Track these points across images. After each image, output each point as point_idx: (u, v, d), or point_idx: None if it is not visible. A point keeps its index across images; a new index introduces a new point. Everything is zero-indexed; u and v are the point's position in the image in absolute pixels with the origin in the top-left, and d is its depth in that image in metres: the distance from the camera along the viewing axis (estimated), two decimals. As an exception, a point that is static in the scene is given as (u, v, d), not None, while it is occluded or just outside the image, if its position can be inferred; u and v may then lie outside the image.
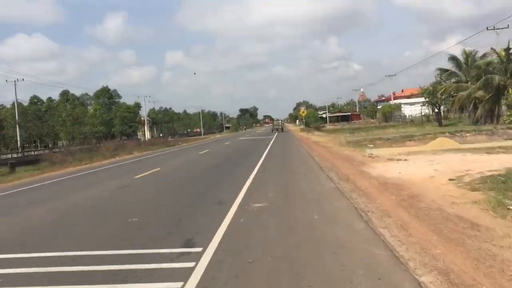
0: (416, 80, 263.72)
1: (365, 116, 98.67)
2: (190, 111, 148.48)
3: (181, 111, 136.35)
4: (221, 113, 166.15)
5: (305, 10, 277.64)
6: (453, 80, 47.63)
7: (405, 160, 14.65)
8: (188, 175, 14.77)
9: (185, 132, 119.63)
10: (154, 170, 16.66)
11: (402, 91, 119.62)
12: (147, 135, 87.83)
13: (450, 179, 10.11)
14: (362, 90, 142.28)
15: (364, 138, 31.22)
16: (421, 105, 69.84)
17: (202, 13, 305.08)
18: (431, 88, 52.97)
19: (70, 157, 30.28)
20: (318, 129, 51.51)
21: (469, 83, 42.65)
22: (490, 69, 37.69)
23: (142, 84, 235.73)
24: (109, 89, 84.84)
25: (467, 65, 43.85)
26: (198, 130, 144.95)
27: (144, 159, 26.13)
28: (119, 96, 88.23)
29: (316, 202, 8.35)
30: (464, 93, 40.18)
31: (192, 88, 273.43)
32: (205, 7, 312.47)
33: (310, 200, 8.65)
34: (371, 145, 27.98)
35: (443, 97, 51.70)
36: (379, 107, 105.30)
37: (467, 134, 30.56)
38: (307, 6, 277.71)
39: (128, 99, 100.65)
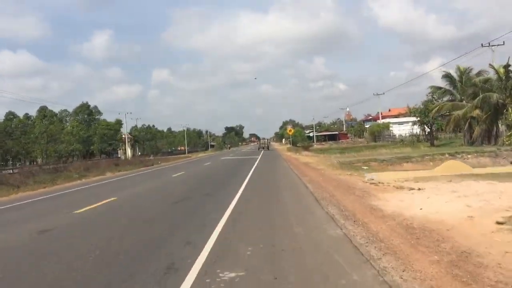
0: (400, 101, 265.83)
1: (353, 136, 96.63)
2: (176, 129, 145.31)
3: (166, 128, 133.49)
4: (206, 131, 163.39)
5: (291, 30, 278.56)
6: (446, 98, 45.68)
7: (419, 189, 11.86)
8: (144, 211, 11.30)
9: (169, 150, 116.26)
10: (107, 201, 13.38)
11: (389, 110, 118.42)
12: (128, 153, 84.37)
13: (499, 222, 7.30)
14: (348, 109, 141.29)
15: (357, 159, 28.55)
16: (412, 124, 68.04)
17: (190, 32, 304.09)
18: (423, 107, 50.98)
19: (31, 178, 26.94)
20: (306, 148, 48.94)
21: (464, 101, 40.60)
22: (488, 86, 35.59)
23: (128, 102, 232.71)
24: (89, 106, 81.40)
25: (461, 83, 41.86)
26: (182, 148, 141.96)
27: (109, 183, 22.93)
28: (100, 113, 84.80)
29: (320, 275, 5.09)
30: (459, 112, 37.96)
31: (178, 106, 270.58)
32: (193, 26, 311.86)
33: (312, 269, 5.38)
34: (366, 167, 25.30)
35: (436, 116, 49.75)
36: (366, 126, 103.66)
37: (469, 156, 28.06)
38: (294, 26, 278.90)
39: (109, 116, 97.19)
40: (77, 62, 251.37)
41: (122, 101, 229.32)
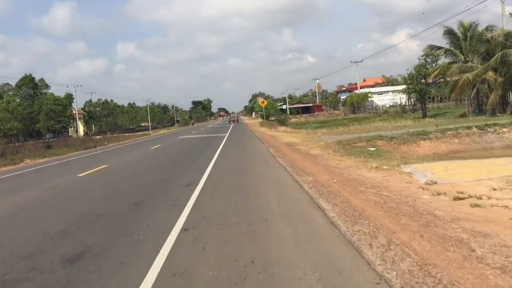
0: (370, 72, 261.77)
1: (328, 108, 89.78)
2: (140, 104, 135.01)
3: (131, 104, 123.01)
4: (172, 106, 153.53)
5: (260, 1, 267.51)
6: (444, 60, 38.86)
7: None
8: None
9: (131, 127, 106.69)
10: None
11: (364, 80, 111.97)
12: (80, 131, 74.89)
13: None
14: (317, 81, 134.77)
15: (355, 137, 21.22)
16: (395, 94, 61.50)
17: (155, 4, 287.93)
18: (414, 72, 44.08)
19: None
20: (282, 123, 41.41)
21: (470, 63, 33.81)
22: (508, 42, 28.75)
23: (93, 77, 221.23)
24: (33, 78, 70.95)
25: (466, 41, 34.91)
26: (147, 124, 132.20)
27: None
28: (47, 86, 74.57)
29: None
30: (469, 75, 31.06)
31: (145, 81, 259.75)
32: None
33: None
34: (373, 148, 18.07)
35: (433, 81, 43.16)
36: (342, 97, 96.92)
37: (504, 130, 21.19)
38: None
39: (60, 90, 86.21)
40: (38, 36, 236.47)
41: (87, 77, 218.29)
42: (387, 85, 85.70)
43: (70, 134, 70.39)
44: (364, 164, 11.34)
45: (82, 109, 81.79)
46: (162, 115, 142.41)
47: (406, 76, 44.79)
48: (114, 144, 37.34)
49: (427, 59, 43.30)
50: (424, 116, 43.31)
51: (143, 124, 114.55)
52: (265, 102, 52.89)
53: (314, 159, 13.21)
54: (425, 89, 44.68)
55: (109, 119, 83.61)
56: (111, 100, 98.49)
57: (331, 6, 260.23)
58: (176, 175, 12.03)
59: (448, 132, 20.82)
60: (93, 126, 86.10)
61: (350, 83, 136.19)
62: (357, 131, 27.15)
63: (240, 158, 15.69)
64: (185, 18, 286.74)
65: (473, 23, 34.68)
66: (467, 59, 34.75)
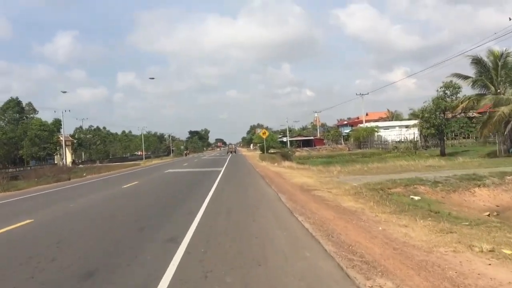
0: (368, 107, 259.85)
1: (330, 141, 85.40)
2: (137, 132, 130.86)
3: (127, 131, 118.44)
4: (169, 135, 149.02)
5: (259, 36, 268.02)
6: (470, 92, 34.63)
7: None
8: None
9: (125, 155, 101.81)
10: None
11: (367, 114, 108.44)
12: (68, 159, 69.91)
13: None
14: (316, 115, 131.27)
15: (388, 179, 16.45)
16: (411, 128, 57.09)
17: (155, 35, 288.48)
18: (432, 105, 39.86)
19: None
20: (286, 157, 36.64)
21: (504, 95, 29.51)
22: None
23: (92, 105, 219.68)
24: (19, 101, 66.64)
25: (496, 71, 30.75)
26: (143, 153, 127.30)
27: None
28: (34, 111, 70.20)
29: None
30: (505, 109, 26.67)
31: (143, 110, 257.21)
32: (159, 29, 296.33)
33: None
34: (416, 197, 13.31)
35: (454, 115, 38.93)
36: (346, 131, 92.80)
37: None
38: (262, 32, 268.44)
39: (50, 116, 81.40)
40: (40, 63, 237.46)
41: (87, 105, 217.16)
42: (392, 120, 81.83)
43: (55, 162, 65.44)
44: (452, 238, 6.51)
45: (71, 135, 77.13)
46: (158, 144, 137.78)
47: (423, 109, 40.53)
48: (93, 176, 32.43)
49: (446, 91, 39.23)
50: (443, 154, 38.77)
51: (138, 153, 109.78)
52: (266, 133, 48.05)
53: (356, 221, 8.34)
54: (444, 124, 40.40)
55: (99, 147, 78.71)
56: (104, 128, 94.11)
57: (329, 43, 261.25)
58: (125, 247, 7.06)
59: (508, 177, 16.07)
60: (82, 154, 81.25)
61: (350, 118, 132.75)
62: (380, 170, 22.39)
63: (239, 213, 10.44)
64: (185, 49, 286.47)
65: (505, 50, 30.63)
66: (498, 90, 30.51)
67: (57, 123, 68.36)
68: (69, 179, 29.33)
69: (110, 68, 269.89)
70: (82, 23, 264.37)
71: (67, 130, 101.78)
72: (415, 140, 53.53)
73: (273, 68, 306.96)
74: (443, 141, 41.37)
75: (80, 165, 65.46)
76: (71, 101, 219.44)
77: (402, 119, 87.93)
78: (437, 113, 38.98)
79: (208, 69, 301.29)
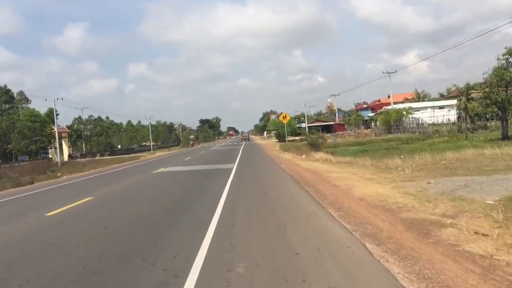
0: (378, 93, 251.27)
1: (353, 126, 77.32)
2: (146, 122, 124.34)
3: (138, 122, 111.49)
4: (179, 124, 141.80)
5: (270, 23, 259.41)
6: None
7: None
8: None
9: (131, 147, 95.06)
10: None
11: (389, 96, 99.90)
12: (65, 153, 63.13)
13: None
14: (330, 100, 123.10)
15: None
16: (454, 109, 49.03)
17: (166, 25, 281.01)
18: (494, 77, 31.77)
19: None
20: (315, 146, 28.71)
21: None
22: None
23: (104, 96, 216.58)
24: (8, 90, 59.92)
25: None
26: (153, 143, 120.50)
27: None
28: (27, 100, 63.50)
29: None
30: None
31: (155, 101, 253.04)
32: (169, 18, 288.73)
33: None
34: None
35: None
36: (368, 115, 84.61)
37: None
38: (272, 19, 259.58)
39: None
40: (51, 56, 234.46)
41: (99, 96, 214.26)
42: (419, 101, 73.42)
43: (50, 157, 58.71)
44: None
45: (68, 127, 70.29)
46: (167, 134, 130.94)
47: (480, 83, 32.48)
48: (71, 176, 25.19)
49: (510, 59, 31.08)
50: (505, 137, 30.85)
51: (145, 144, 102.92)
52: (288, 117, 39.40)
53: None
54: (508, 100, 32.29)
55: (100, 138, 71.72)
56: (107, 117, 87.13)
57: (341, 28, 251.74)
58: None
59: None
60: (83, 146, 74.50)
61: (366, 102, 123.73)
62: (472, 166, 14.64)
63: None
64: (196, 39, 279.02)
65: None
66: None
67: (52, 113, 61.66)
68: (32, 183, 22.10)
69: (120, 60, 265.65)
70: (92, 15, 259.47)
71: (66, 121, 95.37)
72: (460, 121, 45.53)
73: (284, 54, 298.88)
74: (506, 121, 33.28)
75: (79, 159, 58.65)
76: (83, 93, 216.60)
77: (430, 100, 79.51)
78: (499, 86, 31.05)
79: (219, 58, 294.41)
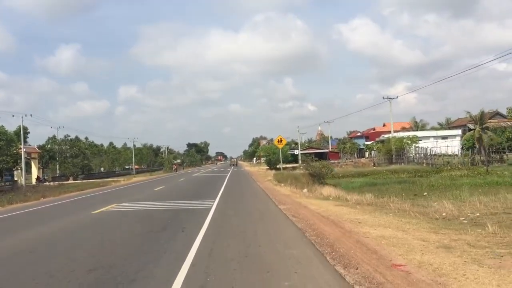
0: (369, 122, 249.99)
1: (348, 155, 72.14)
2: (131, 144, 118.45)
3: (124, 144, 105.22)
4: (166, 148, 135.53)
5: (262, 50, 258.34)
6: None
7: None
8: None
9: (112, 170, 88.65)
10: None
11: (384, 125, 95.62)
12: (33, 175, 56.66)
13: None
14: (319, 128, 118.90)
15: None
16: (458, 140, 44.26)
17: (159, 49, 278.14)
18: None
19: None
20: (319, 177, 22.87)
21: None
22: None
23: (93, 118, 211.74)
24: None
25: None
26: (137, 167, 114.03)
27: None
28: (-6, 116, 57.31)
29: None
30: None
31: (145, 124, 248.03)
32: (162, 43, 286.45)
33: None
34: None
35: None
36: (363, 142, 79.82)
37: None
38: (264, 47, 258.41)
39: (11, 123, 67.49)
40: (42, 76, 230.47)
41: (88, 118, 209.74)
42: (417, 130, 68.85)
43: (15, 179, 52.18)
44: None
45: (41, 147, 63.98)
46: (153, 158, 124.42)
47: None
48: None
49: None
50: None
51: (129, 167, 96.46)
52: (284, 141, 33.11)
53: None
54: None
55: (76, 160, 65.31)
56: (86, 138, 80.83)
57: (331, 58, 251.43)
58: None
59: None
60: (57, 168, 67.96)
61: (353, 131, 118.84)
62: None
63: None
64: (188, 63, 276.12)
65: None
66: None
67: (25, 131, 55.56)
68: None
69: (112, 82, 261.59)
70: (85, 37, 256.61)
71: (41, 140, 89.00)
72: (474, 153, 40.50)
73: (275, 82, 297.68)
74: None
75: (48, 183, 52.19)
76: (71, 114, 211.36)
77: (428, 129, 75.09)
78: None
79: (211, 83, 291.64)
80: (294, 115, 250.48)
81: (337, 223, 10.02)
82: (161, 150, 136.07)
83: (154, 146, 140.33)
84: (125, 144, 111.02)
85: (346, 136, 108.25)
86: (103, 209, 14.39)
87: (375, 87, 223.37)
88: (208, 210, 12.93)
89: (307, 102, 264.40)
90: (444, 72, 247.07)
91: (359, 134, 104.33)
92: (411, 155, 48.48)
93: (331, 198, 15.77)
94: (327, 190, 17.66)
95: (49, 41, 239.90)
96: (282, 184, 22.65)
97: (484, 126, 39.49)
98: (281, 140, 30.79)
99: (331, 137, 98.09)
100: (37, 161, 57.82)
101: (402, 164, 46.52)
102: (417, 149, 47.93)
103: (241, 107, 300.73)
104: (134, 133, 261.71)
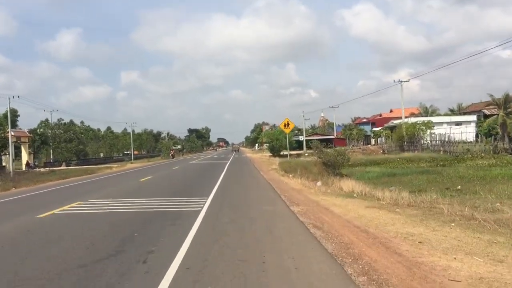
0: (370, 109, 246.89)
1: (355, 142, 68.56)
2: (134, 129, 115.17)
3: (125, 129, 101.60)
4: (167, 133, 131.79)
5: (264, 36, 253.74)
6: None
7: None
8: None
9: (109, 156, 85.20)
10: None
11: (391, 111, 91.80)
12: (23, 160, 53.32)
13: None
14: (322, 114, 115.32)
15: None
16: (473, 126, 40.74)
17: (161, 34, 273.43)
18: None
19: None
20: (334, 166, 19.24)
21: None
22: None
23: (94, 103, 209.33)
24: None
25: None
26: (136, 152, 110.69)
27: None
28: (-18, 98, 53.88)
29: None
30: None
31: (146, 110, 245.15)
32: (164, 28, 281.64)
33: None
34: None
35: None
36: (369, 128, 76.24)
37: None
38: (267, 32, 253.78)
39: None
40: (43, 61, 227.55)
41: (91, 103, 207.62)
42: (426, 116, 65.04)
43: (4, 165, 48.90)
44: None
45: (33, 131, 60.62)
46: (153, 143, 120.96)
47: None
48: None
49: None
50: None
51: (127, 153, 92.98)
52: (292, 125, 28.56)
53: None
54: None
55: (70, 145, 61.93)
56: (81, 122, 77.35)
57: (334, 44, 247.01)
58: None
59: None
60: (51, 153, 64.62)
61: (357, 117, 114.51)
62: None
63: None
64: (190, 49, 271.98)
65: None
66: None
67: (12, 115, 52.19)
68: None
69: (113, 67, 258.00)
70: (86, 22, 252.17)
71: (32, 124, 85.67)
72: (497, 140, 36.91)
73: (277, 68, 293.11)
74: None
75: (38, 169, 48.83)
76: (73, 99, 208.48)
77: (438, 115, 71.27)
78: None
79: (212, 69, 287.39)
80: (296, 101, 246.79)
81: (386, 243, 6.55)
82: (162, 135, 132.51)
83: (155, 131, 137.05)
84: (125, 129, 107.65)
85: (351, 122, 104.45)
86: (56, 210, 10.88)
87: (377, 74, 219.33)
88: (196, 215, 9.47)
89: (309, 89, 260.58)
90: (447, 59, 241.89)
91: (364, 120, 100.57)
92: (425, 142, 44.88)
93: (355, 195, 12.29)
94: (347, 184, 14.16)
95: (51, 26, 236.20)
96: (291, 175, 19.17)
97: (508, 110, 35.79)
98: (288, 124, 27.01)
99: (335, 124, 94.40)
100: (27, 145, 54.41)
101: (416, 151, 42.99)
102: (433, 135, 44.30)
103: (242, 93, 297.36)
104: (135, 119, 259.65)
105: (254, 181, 19.21)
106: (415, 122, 45.54)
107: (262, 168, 27.79)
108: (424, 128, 44.02)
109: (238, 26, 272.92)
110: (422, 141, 44.55)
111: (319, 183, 15.45)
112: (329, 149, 19.54)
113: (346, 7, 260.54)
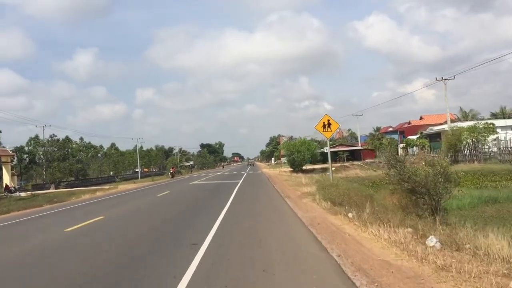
0: (385, 120, 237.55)
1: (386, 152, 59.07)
2: (147, 146, 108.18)
3: (135, 146, 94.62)
4: (180, 149, 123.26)
5: (277, 50, 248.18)
6: None
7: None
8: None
9: (113, 174, 77.22)
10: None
11: (421, 118, 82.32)
12: (6, 181, 45.32)
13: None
14: (340, 127, 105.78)
15: None
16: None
17: (175, 51, 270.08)
18: None
19: None
20: (432, 199, 9.96)
21: None
22: None
23: (112, 121, 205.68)
24: None
25: None
26: (146, 170, 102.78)
27: None
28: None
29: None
30: None
31: (160, 126, 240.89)
32: (177, 45, 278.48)
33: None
34: None
35: None
36: (412, 137, 66.52)
37: None
38: (279, 46, 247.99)
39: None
40: (61, 81, 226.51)
41: (108, 122, 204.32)
42: (466, 121, 55.49)
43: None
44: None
45: (19, 148, 52.84)
46: (163, 160, 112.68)
47: None
48: None
49: None
50: None
51: (137, 170, 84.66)
52: (335, 126, 19.16)
53: None
54: None
55: (64, 164, 53.83)
56: (81, 139, 69.49)
57: (347, 56, 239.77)
58: None
59: None
60: (43, 173, 56.64)
61: (379, 127, 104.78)
62: None
63: None
64: (204, 65, 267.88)
65: None
66: None
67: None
68: None
69: (128, 85, 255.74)
70: (102, 41, 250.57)
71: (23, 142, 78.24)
72: None
73: (290, 81, 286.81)
74: None
75: (17, 193, 40.71)
76: (90, 117, 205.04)
77: (478, 119, 61.48)
78: None
79: (226, 84, 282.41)
80: (310, 114, 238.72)
81: None
82: (174, 151, 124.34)
83: (166, 147, 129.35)
84: (136, 146, 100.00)
85: (373, 132, 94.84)
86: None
87: (391, 85, 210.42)
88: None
89: (323, 101, 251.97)
90: (463, 67, 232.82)
91: (390, 129, 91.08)
92: (486, 149, 35.53)
93: None
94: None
95: (67, 46, 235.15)
96: (350, 214, 10.06)
97: None
98: (329, 124, 17.33)
99: (359, 134, 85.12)
100: (9, 166, 46.44)
101: (476, 162, 33.59)
102: (495, 142, 34.93)
103: (257, 107, 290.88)
104: (150, 136, 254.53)
105: (280, 236, 9.79)
106: (474, 126, 36.17)
107: (288, 193, 18.57)
108: (485, 134, 34.69)
109: (251, 41, 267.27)
110: (483, 149, 35.19)
111: (437, 244, 6.56)
112: (420, 168, 10.30)
113: (359, 19, 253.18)
